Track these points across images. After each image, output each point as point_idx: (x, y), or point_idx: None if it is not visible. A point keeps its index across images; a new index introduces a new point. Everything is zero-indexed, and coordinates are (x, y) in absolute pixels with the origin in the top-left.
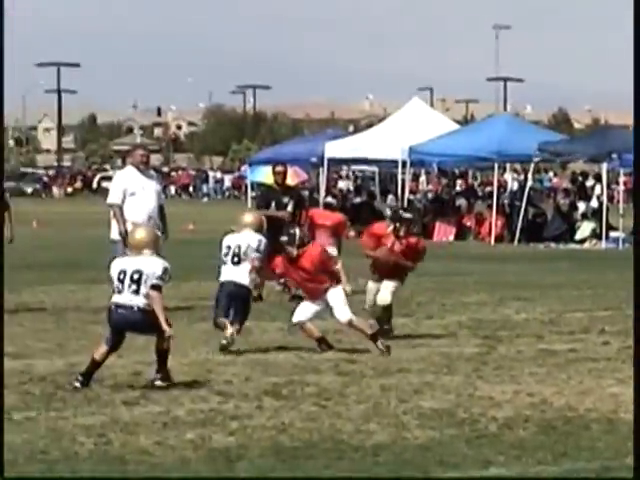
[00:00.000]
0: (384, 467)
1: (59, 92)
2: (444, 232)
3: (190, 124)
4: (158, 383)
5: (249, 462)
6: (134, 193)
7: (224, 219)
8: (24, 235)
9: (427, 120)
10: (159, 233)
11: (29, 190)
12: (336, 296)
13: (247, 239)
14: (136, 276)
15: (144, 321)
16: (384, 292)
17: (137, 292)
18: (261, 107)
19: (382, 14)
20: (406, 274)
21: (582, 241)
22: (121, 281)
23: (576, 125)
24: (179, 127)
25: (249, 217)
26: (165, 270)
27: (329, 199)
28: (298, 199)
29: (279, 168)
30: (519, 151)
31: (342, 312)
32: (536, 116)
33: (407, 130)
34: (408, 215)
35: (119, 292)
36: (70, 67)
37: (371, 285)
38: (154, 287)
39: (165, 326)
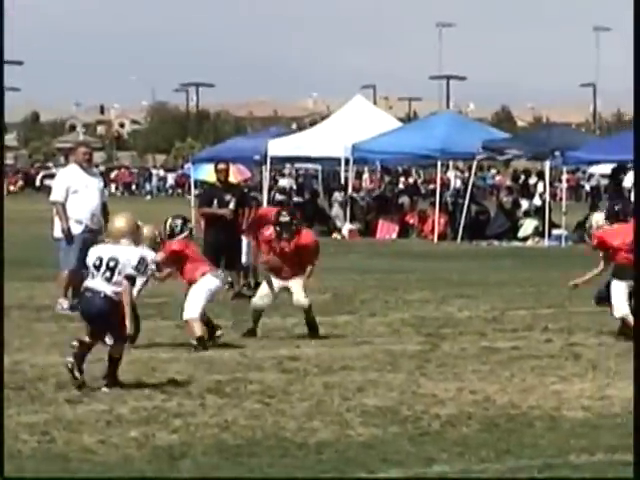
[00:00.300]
0: (328, 464)
1: (1, 90)
2: (387, 230)
3: (133, 122)
4: (104, 389)
5: (192, 460)
6: (77, 191)
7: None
8: None
9: (370, 118)
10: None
11: None
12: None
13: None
14: (112, 263)
15: (108, 310)
16: (298, 296)
17: (110, 280)
18: (204, 105)
19: (326, 13)
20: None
21: (525, 239)
22: (96, 267)
23: (519, 123)
24: (122, 125)
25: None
26: (141, 260)
27: (279, 196)
28: (240, 197)
29: (221, 166)
30: (462, 149)
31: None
32: (479, 114)
33: (350, 128)
34: (285, 219)
35: (92, 277)
36: (13, 64)
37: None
38: (127, 277)
39: (128, 321)
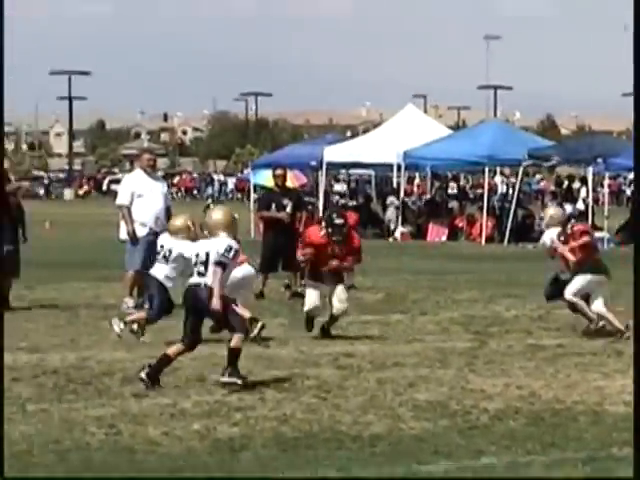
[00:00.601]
0: (381, 457)
1: (70, 99)
2: (437, 233)
3: (195, 129)
4: (224, 379)
5: (252, 452)
6: (142, 195)
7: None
8: (37, 235)
9: (421, 126)
10: (236, 215)
11: (41, 192)
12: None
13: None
14: (204, 257)
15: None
16: (341, 303)
17: (204, 274)
18: (263, 113)
19: (379, 28)
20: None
21: None
22: (195, 264)
23: (563, 131)
24: (185, 132)
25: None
26: (229, 248)
27: (342, 200)
28: (297, 201)
29: (279, 171)
30: (509, 156)
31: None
32: (525, 122)
33: (402, 135)
34: (340, 221)
35: (191, 275)
36: (81, 75)
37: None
38: (216, 263)
39: (216, 300)
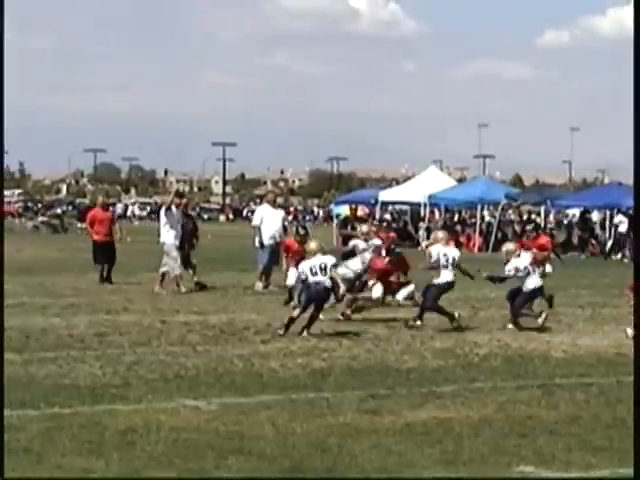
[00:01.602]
0: (413, 381)
1: (224, 160)
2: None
3: (300, 179)
4: (305, 334)
5: (333, 377)
6: (267, 218)
7: (317, 235)
8: (204, 243)
9: (438, 179)
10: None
11: (205, 217)
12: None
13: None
14: (323, 266)
15: (328, 293)
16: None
17: (325, 275)
18: (342, 170)
19: (414, 112)
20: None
21: None
22: (314, 273)
23: (526, 183)
24: (293, 181)
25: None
26: (335, 261)
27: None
28: (364, 223)
29: (353, 206)
30: (492, 198)
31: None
32: (502, 178)
33: (427, 185)
34: (398, 250)
35: (315, 274)
36: (231, 146)
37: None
38: (334, 266)
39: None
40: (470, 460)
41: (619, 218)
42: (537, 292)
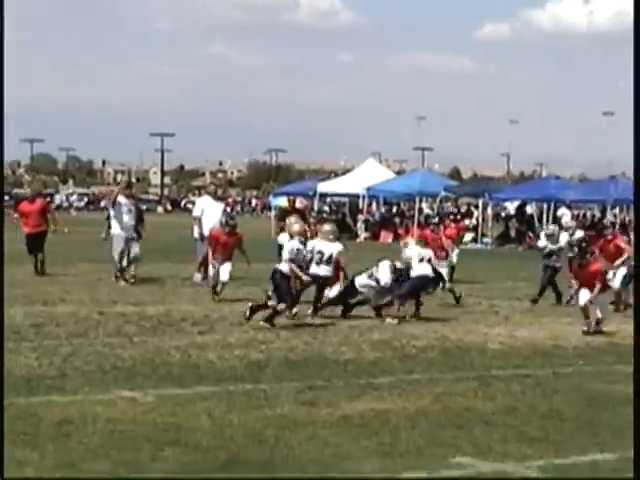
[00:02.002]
0: (350, 373)
1: (162, 151)
2: (386, 237)
3: (239, 171)
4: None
5: (272, 368)
6: (208, 210)
7: (255, 226)
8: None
9: (377, 172)
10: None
11: (144, 207)
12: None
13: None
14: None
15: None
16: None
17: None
18: (280, 162)
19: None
20: None
21: (466, 243)
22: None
23: (464, 176)
24: (232, 172)
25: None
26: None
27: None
28: (302, 216)
29: (291, 198)
30: (431, 190)
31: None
32: (441, 170)
33: (365, 177)
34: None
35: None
36: (169, 136)
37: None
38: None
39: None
40: (406, 452)
41: (562, 211)
42: (424, 280)
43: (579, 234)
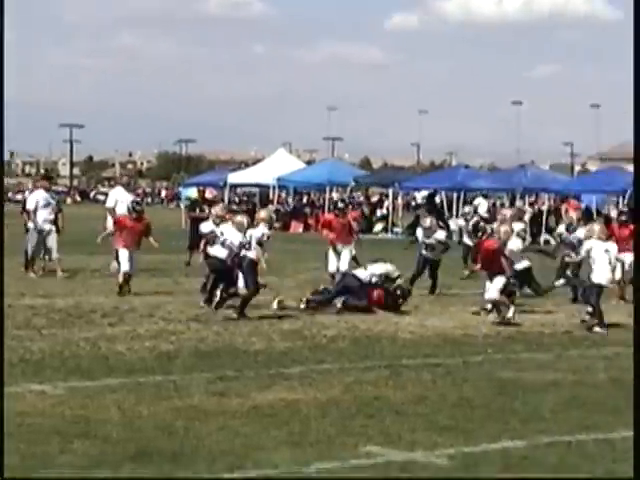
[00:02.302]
0: (261, 363)
1: (71, 142)
2: (296, 227)
3: (148, 162)
4: (234, 315)
5: (182, 360)
6: (121, 201)
7: (164, 217)
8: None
9: (287, 162)
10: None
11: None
12: None
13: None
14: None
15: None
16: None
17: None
18: (190, 152)
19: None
20: None
21: (377, 233)
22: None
23: (374, 166)
24: (142, 163)
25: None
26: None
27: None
28: (210, 206)
29: (201, 188)
30: (341, 180)
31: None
32: (351, 160)
33: (276, 167)
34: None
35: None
36: (78, 127)
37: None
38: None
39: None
40: (317, 441)
41: (479, 201)
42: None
43: (441, 234)
